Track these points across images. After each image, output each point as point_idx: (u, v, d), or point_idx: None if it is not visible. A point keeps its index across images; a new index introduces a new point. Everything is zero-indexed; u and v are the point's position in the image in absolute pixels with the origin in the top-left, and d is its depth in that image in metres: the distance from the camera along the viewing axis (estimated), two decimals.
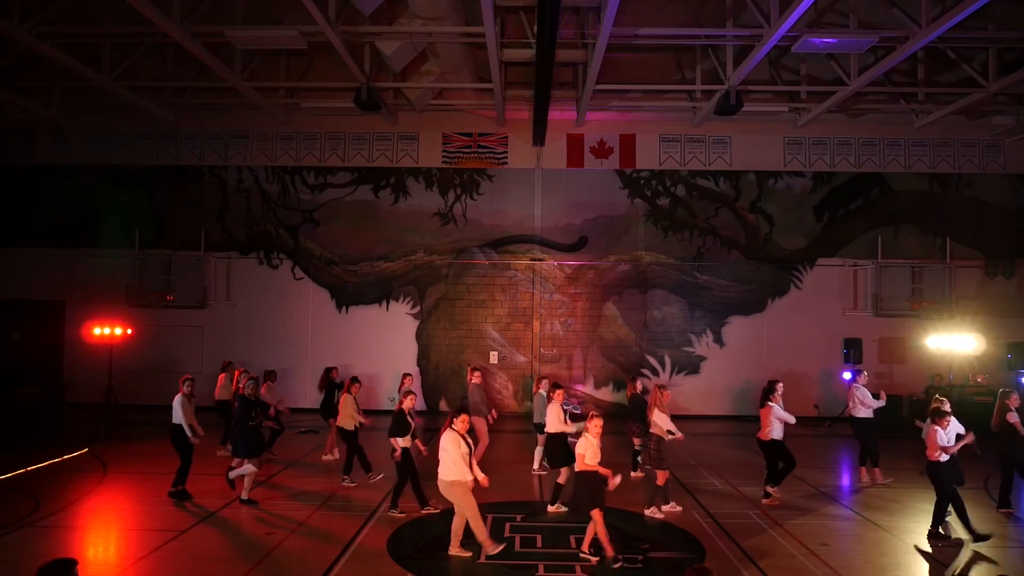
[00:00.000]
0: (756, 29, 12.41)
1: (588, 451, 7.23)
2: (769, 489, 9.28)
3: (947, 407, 8.19)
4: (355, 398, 10.29)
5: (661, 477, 8.79)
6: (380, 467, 10.35)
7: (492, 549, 7.14)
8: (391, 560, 7.06)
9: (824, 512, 9.01)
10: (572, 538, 7.66)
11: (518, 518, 8.45)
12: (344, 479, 10.02)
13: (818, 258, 17.22)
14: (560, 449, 9.15)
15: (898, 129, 17.08)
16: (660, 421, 8.96)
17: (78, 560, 3.89)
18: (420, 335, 17.26)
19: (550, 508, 8.80)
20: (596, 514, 7.07)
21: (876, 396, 10.56)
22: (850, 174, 17.25)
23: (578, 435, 7.58)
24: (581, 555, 7.11)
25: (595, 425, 7.39)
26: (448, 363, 17.05)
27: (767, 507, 9.07)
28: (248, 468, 8.98)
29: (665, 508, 8.76)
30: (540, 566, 6.92)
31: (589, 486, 7.18)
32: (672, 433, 8.92)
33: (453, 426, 7.26)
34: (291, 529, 7.98)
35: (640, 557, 7.15)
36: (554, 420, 9.29)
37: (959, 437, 8.07)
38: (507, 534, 7.85)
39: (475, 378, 11.03)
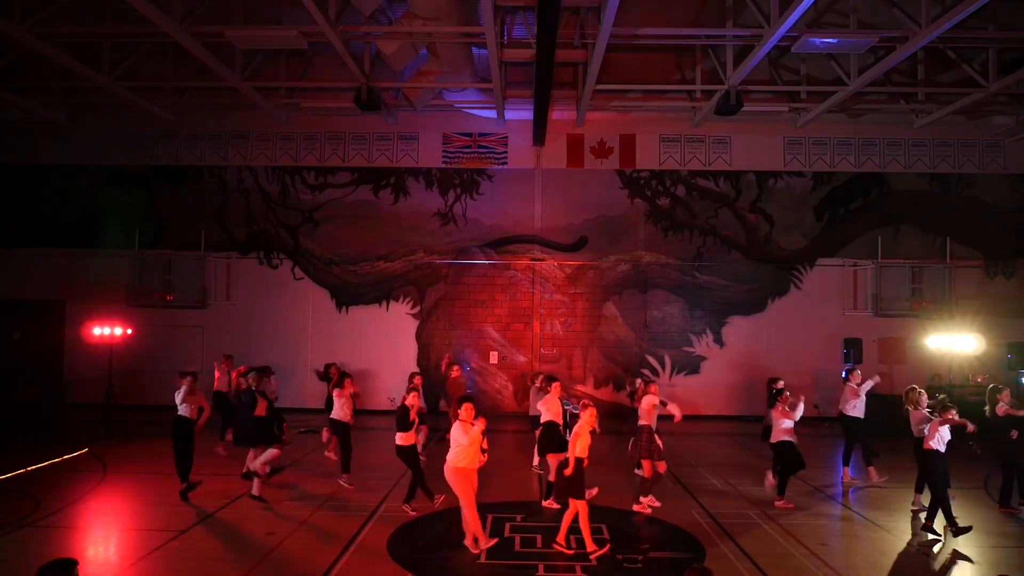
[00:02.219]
0: (756, 29, 12.40)
1: (578, 442, 7.27)
2: (777, 503, 9.10)
3: (924, 399, 8.56)
4: (349, 395, 10.22)
5: (656, 467, 8.77)
6: (381, 468, 10.36)
7: (485, 542, 7.21)
8: (391, 560, 7.06)
9: (824, 512, 9.02)
10: (572, 538, 7.66)
11: (518, 518, 8.44)
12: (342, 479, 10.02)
13: (818, 258, 17.20)
14: (552, 437, 9.14)
15: (898, 129, 17.07)
16: (647, 406, 8.95)
17: (78, 560, 3.90)
18: (420, 335, 17.26)
19: (544, 503, 8.86)
20: (580, 506, 7.08)
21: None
22: (850, 174, 17.24)
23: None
24: (555, 546, 7.18)
25: (588, 415, 7.41)
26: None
27: (779, 509, 9.00)
28: (271, 453, 8.94)
29: (644, 500, 8.73)
30: (540, 566, 6.92)
31: (572, 475, 7.18)
32: (665, 404, 8.90)
33: (460, 417, 7.32)
34: (291, 529, 7.98)
35: (640, 557, 7.15)
36: (549, 411, 9.27)
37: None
38: (507, 534, 7.85)
39: (453, 372, 12.22)
